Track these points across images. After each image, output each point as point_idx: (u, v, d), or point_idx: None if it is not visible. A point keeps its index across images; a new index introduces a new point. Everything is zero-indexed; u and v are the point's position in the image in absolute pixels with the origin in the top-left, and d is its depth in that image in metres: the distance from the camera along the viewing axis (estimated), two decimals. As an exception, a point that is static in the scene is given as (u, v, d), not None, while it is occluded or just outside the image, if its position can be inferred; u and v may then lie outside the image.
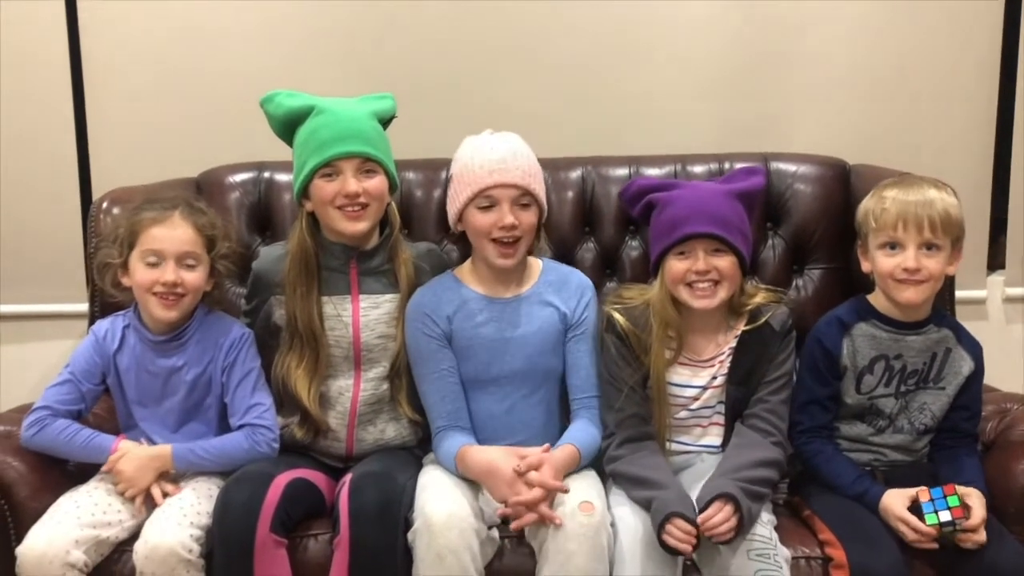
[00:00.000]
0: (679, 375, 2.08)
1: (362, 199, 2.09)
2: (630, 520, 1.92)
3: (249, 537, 1.88)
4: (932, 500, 1.89)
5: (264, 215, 2.48)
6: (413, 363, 2.13)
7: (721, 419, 2.09)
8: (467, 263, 2.20)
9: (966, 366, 2.07)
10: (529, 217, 2.08)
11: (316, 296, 2.15)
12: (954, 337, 2.08)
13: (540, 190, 2.11)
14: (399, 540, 1.91)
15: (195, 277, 2.09)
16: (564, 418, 2.14)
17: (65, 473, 2.09)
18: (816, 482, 2.06)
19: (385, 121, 2.20)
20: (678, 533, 1.83)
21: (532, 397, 2.12)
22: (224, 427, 2.15)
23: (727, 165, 2.44)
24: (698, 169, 2.48)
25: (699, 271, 2.00)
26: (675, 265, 2.02)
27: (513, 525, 1.92)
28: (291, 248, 2.16)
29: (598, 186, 2.47)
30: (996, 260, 2.76)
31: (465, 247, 2.23)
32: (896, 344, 2.07)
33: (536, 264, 2.20)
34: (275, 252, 2.23)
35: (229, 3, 2.65)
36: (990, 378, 2.17)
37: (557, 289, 2.16)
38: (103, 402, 2.20)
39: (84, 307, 2.40)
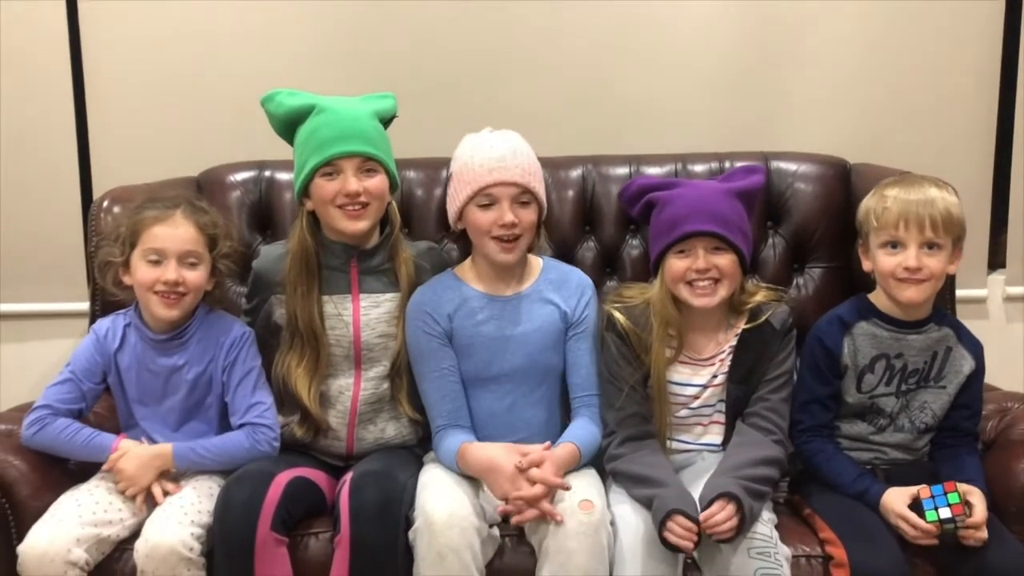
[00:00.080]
0: (680, 374, 2.09)
1: (363, 198, 2.10)
2: (630, 519, 1.92)
3: (250, 536, 1.88)
4: (932, 497, 1.89)
5: (265, 214, 2.48)
6: (414, 362, 2.14)
7: (722, 417, 2.09)
8: (467, 261, 2.20)
9: (967, 365, 2.07)
10: (529, 215, 2.08)
11: (317, 295, 2.15)
12: (955, 336, 2.08)
13: (540, 188, 2.11)
14: (400, 539, 1.91)
15: (197, 276, 2.09)
16: (565, 416, 2.15)
17: (66, 472, 2.09)
18: (817, 481, 2.06)
19: (386, 120, 2.20)
20: (679, 530, 1.83)
21: (533, 395, 2.12)
22: (225, 426, 2.15)
23: (727, 164, 2.44)
24: (699, 168, 2.48)
25: (699, 269, 2.00)
26: (675, 264, 2.02)
27: (514, 520, 1.92)
28: (292, 247, 2.16)
29: (598, 185, 2.48)
30: (997, 259, 2.76)
31: (465, 245, 2.23)
32: (897, 343, 2.07)
33: (536, 262, 2.20)
34: (276, 251, 2.23)
35: (230, 3, 2.65)
36: (991, 377, 2.17)
37: (557, 287, 2.16)
38: (104, 401, 2.20)
39: (85, 306, 2.40)
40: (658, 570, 1.87)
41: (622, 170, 2.48)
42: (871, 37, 2.65)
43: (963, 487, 1.90)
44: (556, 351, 2.13)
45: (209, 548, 1.94)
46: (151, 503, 2.02)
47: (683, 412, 2.10)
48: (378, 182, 2.12)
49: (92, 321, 2.29)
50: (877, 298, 2.10)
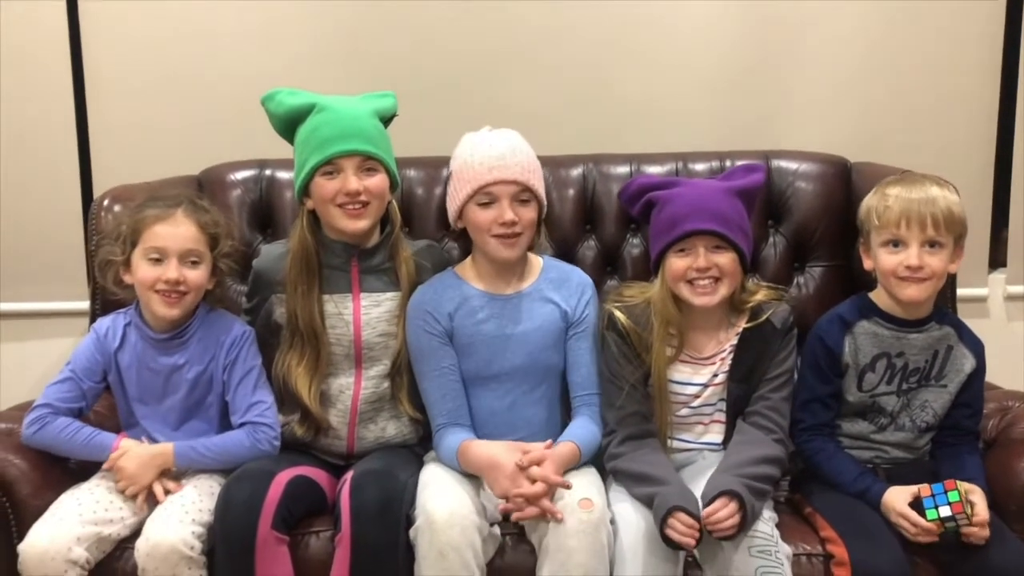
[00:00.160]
0: (680, 373, 2.09)
1: (363, 197, 2.10)
2: (631, 517, 1.92)
3: (251, 534, 1.88)
4: (933, 496, 1.89)
5: (265, 213, 2.48)
6: (414, 360, 2.14)
7: (722, 416, 2.09)
8: (468, 260, 2.20)
9: (968, 364, 2.07)
10: (529, 213, 2.08)
11: (317, 294, 2.15)
12: (956, 335, 2.08)
13: (539, 186, 2.11)
14: (401, 537, 1.91)
15: (198, 275, 2.09)
16: (565, 415, 2.15)
17: (67, 470, 2.09)
18: (817, 480, 2.06)
19: (386, 119, 2.20)
20: (680, 527, 1.83)
21: (533, 394, 2.12)
22: (225, 425, 2.15)
23: (728, 163, 2.44)
24: (699, 167, 2.48)
25: (700, 268, 2.00)
26: (676, 262, 2.02)
27: (514, 517, 1.92)
28: (292, 246, 2.16)
29: (599, 184, 2.48)
30: (998, 258, 2.76)
31: (466, 244, 2.23)
32: (898, 342, 2.07)
33: (537, 261, 2.20)
34: (276, 250, 2.23)
35: (230, 2, 2.65)
36: (991, 376, 2.17)
37: (558, 286, 2.16)
38: (104, 400, 2.20)
39: (85, 305, 2.40)
40: (659, 569, 1.87)
41: (623, 169, 2.48)
42: (872, 36, 2.66)
43: (964, 485, 1.89)
44: (556, 350, 2.13)
45: (210, 547, 1.94)
46: (152, 502, 2.02)
47: (684, 411, 2.10)
48: (378, 181, 2.12)
49: (92, 320, 2.29)
50: (878, 297, 2.10)
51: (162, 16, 2.63)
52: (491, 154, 2.07)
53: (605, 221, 2.47)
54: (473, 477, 2.02)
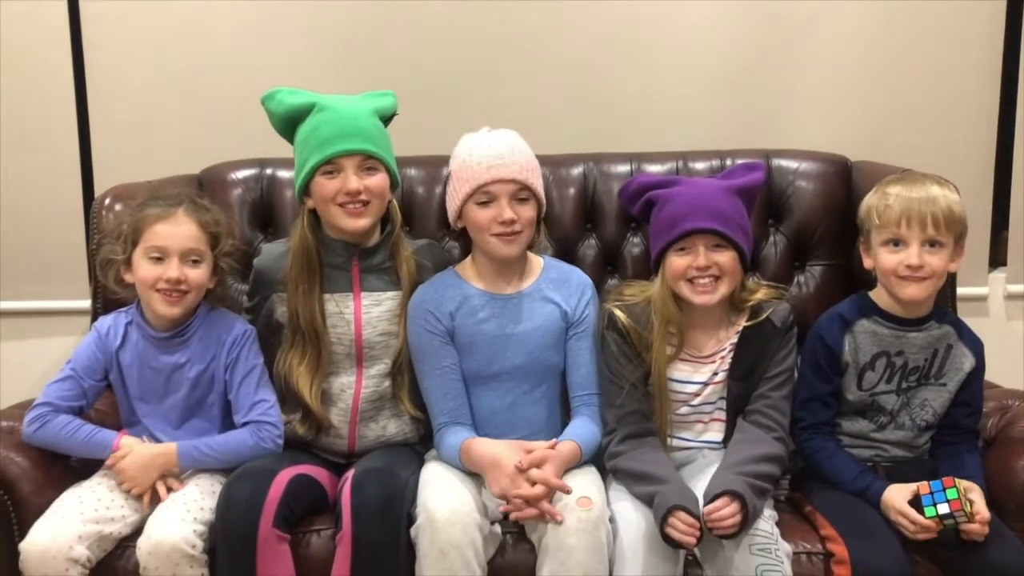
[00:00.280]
0: (680, 371, 2.09)
1: (363, 196, 2.10)
2: (631, 516, 1.92)
3: (252, 532, 1.89)
4: (932, 493, 1.89)
5: (266, 212, 2.49)
6: (415, 360, 2.14)
7: (722, 415, 2.09)
8: (468, 259, 2.20)
9: (967, 363, 2.08)
10: (528, 211, 2.09)
11: (318, 293, 2.15)
12: (955, 334, 2.09)
13: (538, 184, 2.12)
14: (402, 536, 1.91)
15: (199, 274, 2.09)
16: (565, 414, 2.15)
17: (68, 469, 2.09)
18: (818, 478, 2.06)
19: (386, 118, 2.20)
20: (681, 526, 1.83)
21: (534, 393, 2.13)
22: (227, 424, 2.15)
23: (729, 162, 2.44)
24: (700, 166, 2.48)
25: (700, 267, 2.00)
26: (676, 261, 2.03)
27: (512, 516, 1.92)
28: (293, 245, 2.16)
29: (599, 183, 2.48)
30: (998, 257, 2.76)
31: (466, 244, 2.24)
32: (897, 341, 2.07)
33: (537, 261, 2.20)
34: (277, 249, 2.24)
35: (231, 1, 2.65)
36: (991, 375, 2.17)
37: (558, 286, 2.16)
38: (105, 398, 2.20)
39: (86, 303, 2.40)
40: (659, 567, 1.87)
41: (623, 168, 2.48)
42: (872, 36, 2.65)
43: (963, 483, 1.90)
44: (557, 350, 2.14)
45: (211, 545, 1.94)
46: (154, 500, 2.02)
47: (684, 409, 2.10)
48: (379, 180, 2.12)
49: (94, 319, 2.29)
50: (878, 296, 2.10)
51: (163, 15, 2.63)
52: (490, 153, 2.08)
53: (605, 220, 2.47)
54: (474, 475, 2.02)
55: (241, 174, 2.50)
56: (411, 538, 1.91)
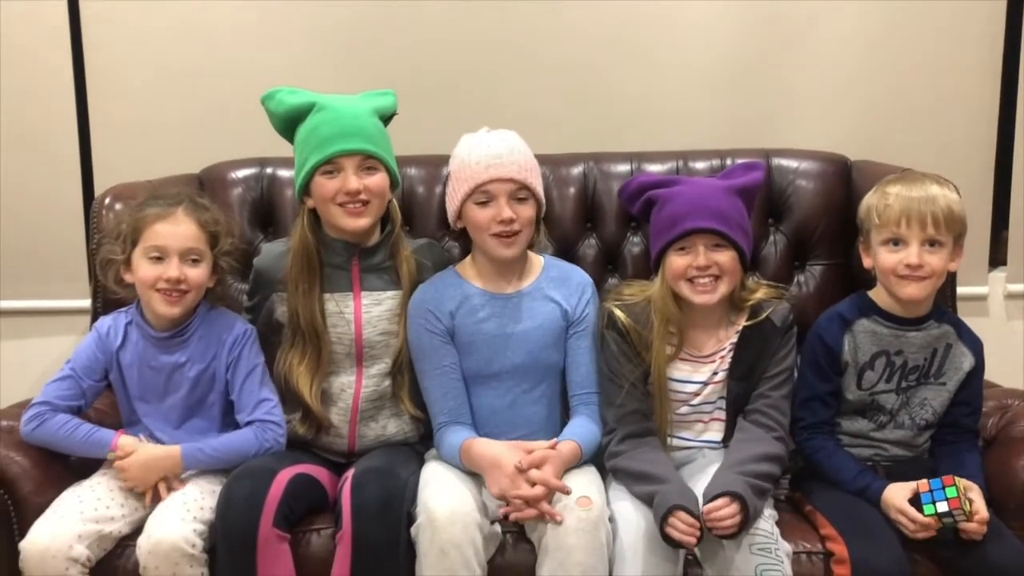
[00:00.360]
0: (680, 371, 2.09)
1: (363, 196, 2.10)
2: (631, 516, 1.92)
3: (252, 532, 1.89)
4: (931, 491, 1.89)
5: (266, 211, 2.49)
6: (415, 359, 2.14)
7: (722, 415, 2.09)
8: (468, 259, 2.20)
9: (967, 362, 2.08)
10: (527, 211, 2.09)
11: (318, 293, 2.15)
12: (955, 333, 2.09)
13: (537, 184, 2.12)
14: (402, 535, 1.91)
15: (198, 273, 2.09)
16: (565, 413, 2.15)
17: (68, 468, 2.09)
18: (818, 477, 2.07)
19: (386, 118, 2.20)
20: (681, 526, 1.83)
21: (534, 392, 2.13)
22: (227, 423, 2.15)
23: (729, 161, 2.44)
24: (700, 165, 2.48)
25: (700, 267, 2.00)
26: (676, 261, 2.03)
27: (512, 517, 1.92)
28: (293, 245, 2.16)
29: (600, 182, 2.48)
30: (998, 256, 2.76)
31: (466, 243, 2.24)
32: (897, 340, 2.07)
33: (537, 260, 2.20)
34: (277, 249, 2.24)
35: (231, 1, 2.65)
36: (991, 374, 2.17)
37: (558, 285, 2.16)
38: (105, 397, 2.20)
39: (86, 303, 2.40)
40: (659, 567, 1.87)
41: (623, 167, 2.48)
42: (872, 35, 2.65)
43: (962, 482, 1.90)
44: (557, 349, 2.14)
45: (211, 544, 1.94)
46: (156, 499, 2.02)
47: (684, 409, 2.10)
48: (378, 180, 2.12)
49: (94, 318, 2.29)
50: (877, 295, 2.10)
51: (163, 15, 2.63)
52: (488, 153, 2.08)
53: (606, 219, 2.47)
54: (474, 475, 2.02)
55: (241, 173, 2.50)
56: (411, 537, 1.91)
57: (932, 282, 2.01)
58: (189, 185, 2.39)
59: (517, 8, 2.64)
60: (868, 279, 2.15)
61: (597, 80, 2.67)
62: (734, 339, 2.08)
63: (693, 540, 1.84)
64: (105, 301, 2.29)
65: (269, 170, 2.50)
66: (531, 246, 2.17)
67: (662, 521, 1.84)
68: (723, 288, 2.03)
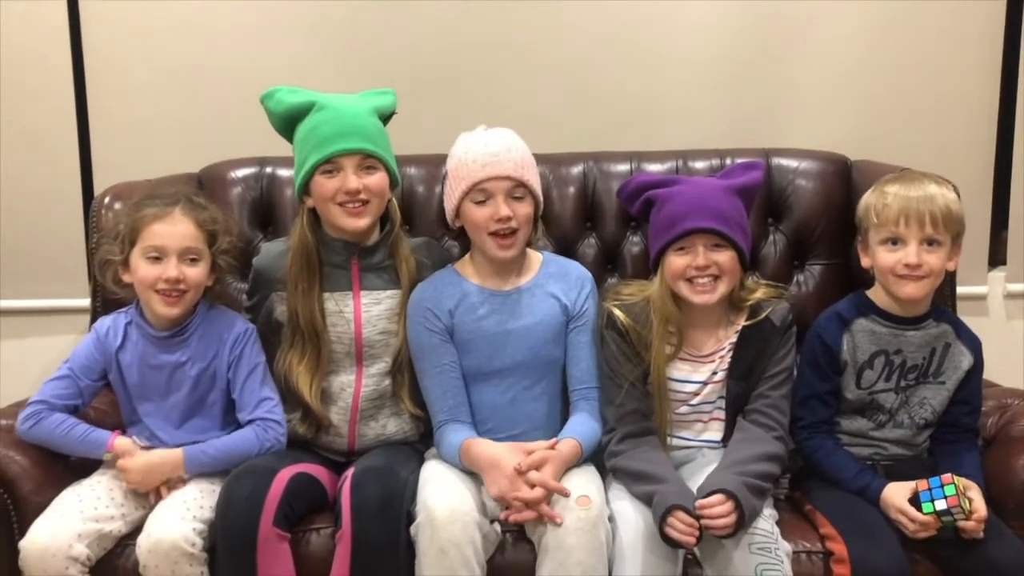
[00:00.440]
0: (679, 370, 2.09)
1: (363, 195, 2.10)
2: (630, 515, 1.92)
3: (252, 531, 1.89)
4: (930, 490, 1.89)
5: (266, 211, 2.49)
6: (415, 358, 2.14)
7: (722, 414, 2.09)
8: (467, 257, 2.21)
9: (965, 361, 2.08)
10: (524, 209, 2.09)
11: (318, 292, 2.15)
12: (953, 332, 2.09)
13: (534, 181, 2.12)
14: (401, 534, 1.91)
15: (197, 272, 2.09)
16: (566, 410, 2.15)
17: (68, 467, 2.09)
18: (817, 477, 2.07)
19: (386, 117, 2.20)
20: (680, 526, 1.83)
21: (534, 388, 2.13)
22: (228, 422, 2.15)
23: (728, 161, 2.44)
24: (699, 165, 2.48)
25: (699, 266, 2.00)
26: (675, 261, 2.03)
27: (512, 518, 1.92)
28: (292, 244, 2.16)
29: (599, 182, 2.48)
30: (997, 256, 2.76)
31: (466, 242, 2.24)
32: (896, 339, 2.07)
33: (536, 256, 2.21)
34: (276, 248, 2.24)
35: (231, 1, 2.65)
36: (991, 374, 2.18)
37: (557, 280, 2.16)
38: (105, 397, 2.20)
39: (86, 302, 2.40)
40: (658, 567, 1.87)
41: (623, 167, 2.48)
42: (872, 35, 2.66)
43: (961, 480, 1.90)
44: (557, 344, 2.14)
45: (211, 543, 1.94)
46: (155, 498, 2.03)
47: (683, 409, 2.10)
48: (378, 179, 2.12)
49: (93, 317, 2.30)
50: (876, 295, 2.10)
51: (163, 14, 2.63)
52: (485, 151, 2.08)
53: (605, 219, 2.47)
54: (474, 474, 2.02)
55: (241, 173, 2.50)
56: (411, 536, 1.91)
57: (930, 281, 2.01)
58: (189, 184, 2.39)
59: (517, 8, 2.64)
60: (868, 279, 2.15)
61: (597, 80, 2.67)
62: (733, 339, 2.08)
63: (692, 540, 1.84)
64: (105, 300, 2.29)
65: (269, 169, 2.50)
66: (529, 244, 2.17)
67: (661, 521, 1.84)
68: (722, 288, 2.03)
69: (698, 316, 2.08)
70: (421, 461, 2.13)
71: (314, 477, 2.06)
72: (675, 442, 2.11)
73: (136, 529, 1.97)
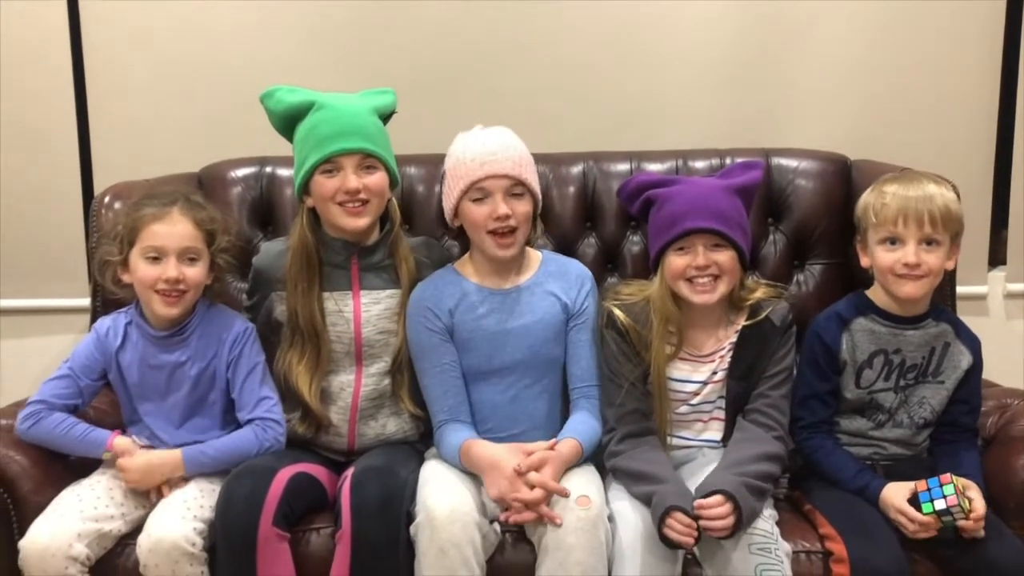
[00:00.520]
0: (679, 370, 2.09)
1: (363, 195, 2.10)
2: (630, 515, 1.92)
3: (252, 531, 1.89)
4: (929, 490, 1.89)
5: (266, 210, 2.49)
6: (415, 357, 2.14)
7: (722, 414, 2.09)
8: (466, 256, 2.21)
9: (964, 360, 2.08)
10: (523, 207, 2.09)
11: (317, 292, 2.15)
12: (952, 331, 2.09)
13: (533, 180, 2.12)
14: (401, 534, 1.91)
15: (196, 272, 2.09)
16: (566, 408, 2.15)
17: (68, 467, 2.09)
18: (817, 477, 2.07)
19: (386, 116, 2.20)
20: (679, 527, 1.83)
21: (535, 387, 2.13)
22: (228, 421, 2.15)
23: (728, 160, 2.44)
24: (699, 164, 2.48)
25: (699, 266, 2.00)
26: (675, 261, 2.03)
27: (512, 519, 1.92)
28: (292, 244, 2.16)
29: (599, 181, 2.48)
30: (997, 256, 2.76)
31: (465, 241, 2.24)
32: (895, 339, 2.07)
33: (535, 255, 2.21)
34: (276, 248, 2.24)
35: (231, 1, 2.65)
36: (991, 374, 2.18)
37: (557, 278, 2.16)
38: (105, 396, 2.20)
39: (86, 302, 2.40)
40: (658, 567, 1.87)
41: (623, 166, 2.48)
42: (872, 35, 2.66)
43: (960, 480, 1.90)
44: (558, 343, 2.14)
45: (211, 543, 1.94)
46: (155, 497, 2.03)
47: (683, 408, 2.10)
48: (378, 179, 2.12)
49: (93, 317, 2.30)
50: (875, 294, 2.10)
51: (163, 14, 2.63)
52: (483, 150, 2.08)
53: (605, 219, 2.47)
54: (474, 474, 2.02)
55: (241, 172, 2.50)
56: (410, 536, 1.91)
57: (929, 281, 2.01)
58: (188, 184, 2.39)
59: (517, 8, 2.64)
60: (867, 279, 2.15)
61: (597, 80, 2.67)
62: (733, 338, 2.08)
63: (691, 541, 1.84)
64: (104, 300, 2.29)
65: (268, 169, 2.50)
66: (529, 243, 2.17)
67: (659, 522, 1.84)
68: (722, 288, 2.03)
69: (698, 316, 2.08)
70: (421, 461, 2.13)
71: (314, 477, 2.06)
72: (675, 442, 2.11)
73: (136, 529, 1.97)
